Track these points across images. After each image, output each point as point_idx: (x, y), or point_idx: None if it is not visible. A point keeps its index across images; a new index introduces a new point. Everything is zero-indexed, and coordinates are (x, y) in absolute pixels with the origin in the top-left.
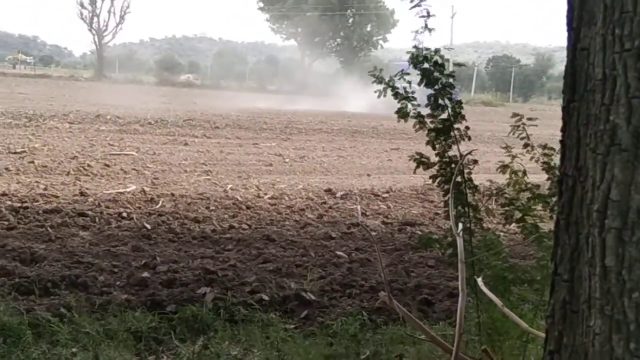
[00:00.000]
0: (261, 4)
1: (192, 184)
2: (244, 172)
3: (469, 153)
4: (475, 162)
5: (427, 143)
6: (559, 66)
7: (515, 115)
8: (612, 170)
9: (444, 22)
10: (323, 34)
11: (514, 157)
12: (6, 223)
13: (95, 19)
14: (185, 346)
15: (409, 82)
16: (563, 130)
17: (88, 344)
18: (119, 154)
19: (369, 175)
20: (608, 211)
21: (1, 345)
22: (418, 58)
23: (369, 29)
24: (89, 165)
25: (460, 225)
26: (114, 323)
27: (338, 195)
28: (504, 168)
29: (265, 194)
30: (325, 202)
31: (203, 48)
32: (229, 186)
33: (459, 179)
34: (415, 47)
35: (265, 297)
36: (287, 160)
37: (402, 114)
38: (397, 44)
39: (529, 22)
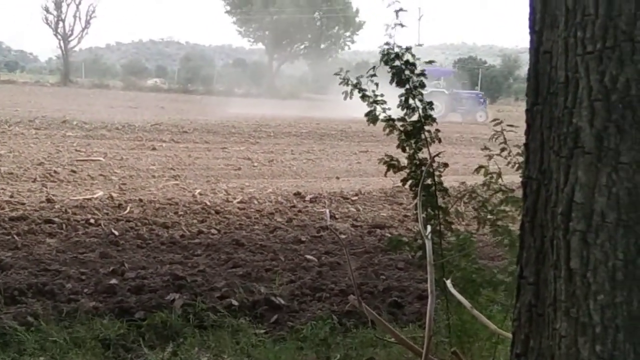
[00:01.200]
0: (228, 7)
1: (160, 189)
2: (212, 177)
3: (437, 155)
4: (446, 165)
5: (398, 146)
6: (526, 67)
7: (495, 120)
8: (576, 173)
9: (411, 24)
10: (290, 36)
11: (490, 157)
12: None
13: (61, 24)
14: (154, 353)
15: (377, 84)
16: (527, 133)
17: (56, 353)
18: (86, 160)
19: (338, 178)
20: (572, 214)
21: None
22: (389, 55)
23: (335, 30)
24: (55, 172)
25: (429, 228)
26: (81, 331)
27: (307, 198)
28: (479, 169)
29: (234, 199)
30: (294, 206)
31: (170, 52)
32: (198, 191)
33: (429, 181)
34: (386, 43)
35: (235, 302)
36: (256, 164)
37: (372, 117)
38: (364, 47)
39: (495, 24)
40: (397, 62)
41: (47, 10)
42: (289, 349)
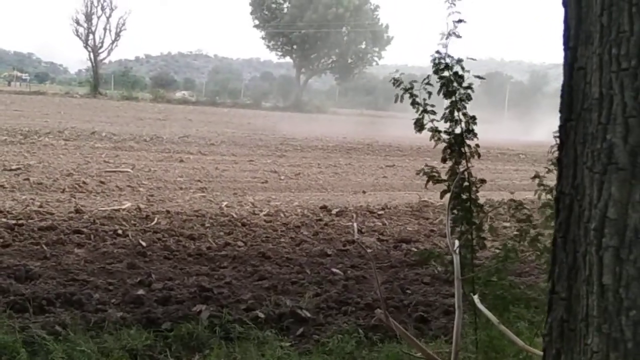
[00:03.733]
0: (257, 22)
1: (187, 201)
2: (239, 189)
3: (466, 169)
4: (483, 181)
5: (443, 159)
6: (554, 83)
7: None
8: (609, 189)
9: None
10: (318, 50)
11: (544, 173)
12: (1, 240)
13: (91, 36)
14: None
15: (429, 93)
16: (560, 148)
17: None
18: (114, 171)
19: (364, 192)
20: (605, 229)
21: None
22: (440, 65)
23: (363, 45)
24: (84, 182)
25: (457, 243)
26: (109, 341)
27: (333, 212)
28: (535, 178)
29: (261, 211)
30: (320, 219)
31: (198, 65)
32: (225, 203)
33: (464, 196)
34: (437, 52)
35: (261, 315)
36: (282, 177)
37: (419, 125)
38: (391, 61)
39: (523, 39)
40: (446, 73)
41: (77, 22)
42: None
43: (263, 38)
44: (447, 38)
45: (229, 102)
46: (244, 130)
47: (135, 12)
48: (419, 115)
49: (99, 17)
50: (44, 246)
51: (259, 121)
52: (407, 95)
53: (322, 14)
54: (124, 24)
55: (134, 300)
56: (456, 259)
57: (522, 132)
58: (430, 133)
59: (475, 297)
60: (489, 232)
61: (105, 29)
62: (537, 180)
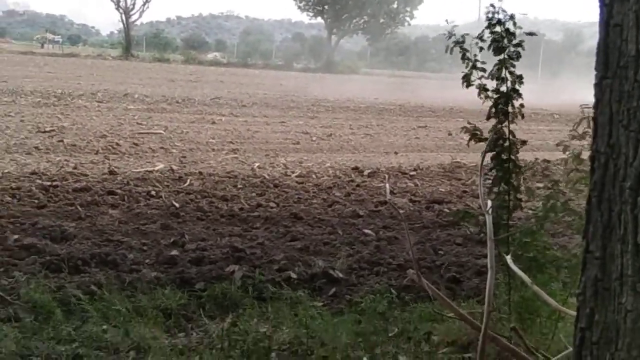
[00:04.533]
0: None
1: (219, 162)
2: (271, 151)
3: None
4: (524, 142)
5: (487, 118)
6: (589, 42)
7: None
8: None
9: None
10: (350, 11)
11: (573, 137)
12: (36, 201)
13: None
14: (214, 323)
15: (481, 49)
16: (595, 107)
17: (118, 322)
18: (147, 133)
19: (396, 153)
20: None
21: (32, 323)
22: (492, 20)
23: (395, 5)
24: (117, 144)
25: (490, 203)
26: (143, 300)
27: (365, 173)
28: (564, 148)
29: (293, 172)
30: (352, 180)
31: (230, 26)
32: (257, 164)
33: (504, 157)
34: (491, 5)
35: (294, 275)
36: (314, 138)
37: (467, 80)
38: (423, 21)
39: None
40: (498, 29)
41: None
42: (347, 322)
43: None
44: None
45: (261, 63)
46: (276, 92)
47: None
48: (468, 70)
49: None
50: (78, 207)
51: (291, 82)
52: (447, 55)
53: None
54: None
55: (168, 261)
56: (489, 220)
57: (556, 92)
58: (474, 92)
59: (508, 258)
60: (527, 193)
61: None
62: (564, 145)
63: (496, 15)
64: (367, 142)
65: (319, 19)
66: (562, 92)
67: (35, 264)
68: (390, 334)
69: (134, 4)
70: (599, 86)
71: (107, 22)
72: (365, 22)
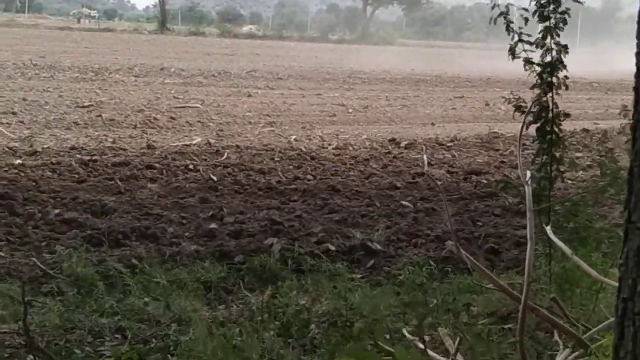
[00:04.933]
0: None
1: (256, 135)
2: (307, 123)
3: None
4: (567, 114)
5: (532, 87)
6: (628, 9)
7: None
8: None
9: None
10: None
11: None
12: (76, 176)
13: None
14: (254, 296)
15: (526, 19)
16: (636, 76)
17: (159, 294)
18: (184, 107)
19: (433, 124)
20: None
21: (75, 296)
22: None
23: None
24: (155, 118)
25: (529, 174)
26: (183, 273)
27: (402, 145)
28: (623, 110)
29: (329, 145)
30: (389, 152)
31: None
32: (293, 137)
33: (547, 128)
34: None
35: (332, 247)
36: (350, 110)
37: (512, 52)
38: None
39: None
40: None
41: None
42: (386, 294)
43: None
44: None
45: (296, 35)
46: (311, 64)
47: None
48: (513, 43)
49: None
50: (118, 181)
51: (326, 54)
52: (483, 24)
53: None
54: None
55: (207, 234)
56: (528, 190)
57: (594, 60)
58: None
59: (548, 229)
60: (569, 165)
61: None
62: (610, 110)
63: None
64: (403, 113)
65: None
66: (600, 60)
67: (76, 238)
68: (429, 306)
69: None
70: (639, 55)
71: None
72: None
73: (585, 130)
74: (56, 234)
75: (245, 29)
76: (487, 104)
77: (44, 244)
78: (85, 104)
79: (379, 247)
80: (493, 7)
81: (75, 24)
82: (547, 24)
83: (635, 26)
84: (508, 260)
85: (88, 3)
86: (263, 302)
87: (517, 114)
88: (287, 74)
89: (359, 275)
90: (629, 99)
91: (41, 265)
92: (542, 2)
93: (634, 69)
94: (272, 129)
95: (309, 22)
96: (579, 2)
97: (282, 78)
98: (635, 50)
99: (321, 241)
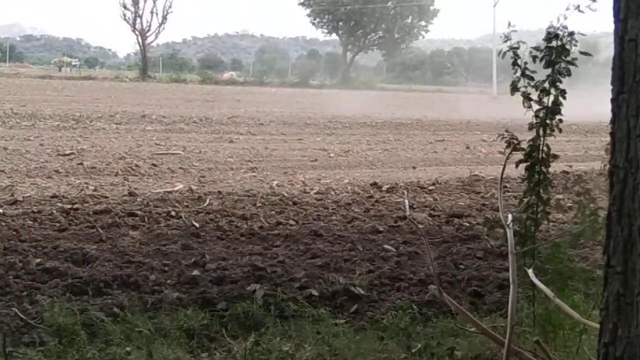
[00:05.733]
0: None
1: (238, 181)
2: (289, 168)
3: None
4: (555, 156)
5: (530, 127)
6: (605, 52)
7: None
8: None
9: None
10: (364, 27)
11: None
12: (57, 224)
13: (138, 20)
14: (237, 343)
15: (534, 57)
16: (613, 121)
17: (142, 343)
18: (166, 153)
19: (414, 167)
20: None
21: (56, 346)
22: (551, 34)
23: (409, 20)
24: (136, 165)
25: (510, 217)
26: (166, 321)
27: (384, 188)
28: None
29: (312, 190)
30: (371, 196)
31: (245, 45)
32: (275, 182)
33: (537, 168)
34: (552, 22)
35: (315, 293)
36: (332, 155)
37: (513, 86)
38: (438, 35)
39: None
40: (554, 43)
41: (124, 6)
42: (369, 339)
43: (308, 16)
44: (567, 9)
45: (277, 81)
46: (292, 109)
47: None
48: (515, 77)
49: (145, 1)
50: (99, 229)
51: (307, 100)
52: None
53: None
54: (170, 7)
55: (189, 281)
56: (510, 233)
57: (573, 103)
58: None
59: (530, 271)
60: (556, 207)
61: (152, 12)
62: (589, 152)
63: (555, 31)
64: (384, 157)
65: (334, 36)
66: (579, 103)
67: (57, 287)
68: (413, 350)
69: (149, 26)
70: (615, 101)
71: (124, 44)
72: (380, 38)
73: (565, 172)
74: (37, 284)
75: (226, 75)
76: (467, 147)
77: (25, 293)
78: (67, 152)
79: (362, 291)
80: (505, 40)
81: (56, 72)
82: (552, 69)
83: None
84: (491, 303)
85: (69, 52)
86: (246, 349)
87: (507, 152)
88: (269, 120)
89: (343, 320)
90: (607, 140)
91: (22, 315)
92: (549, 50)
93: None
94: (254, 174)
95: (290, 68)
96: (588, 54)
97: (264, 123)
98: (611, 97)
99: (304, 286)
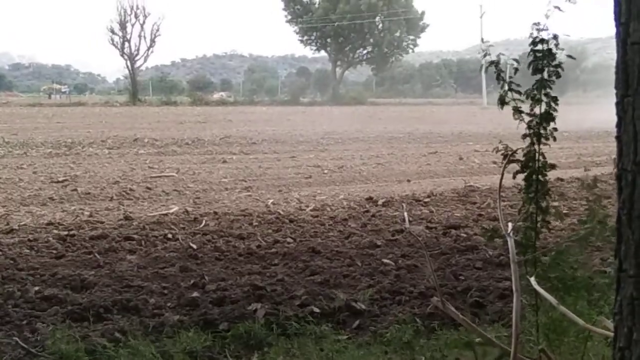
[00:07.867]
0: (289, 17)
1: (233, 201)
2: (283, 186)
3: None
4: (552, 166)
5: (524, 137)
6: (593, 58)
7: None
8: None
9: (474, 21)
10: (353, 42)
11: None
12: (54, 252)
13: (127, 44)
14: None
15: (516, 70)
16: (618, 125)
17: None
18: (160, 176)
19: (408, 180)
20: None
21: None
22: (536, 39)
23: (398, 34)
24: (131, 189)
25: (510, 226)
26: (168, 344)
27: (380, 202)
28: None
29: (307, 207)
30: (367, 211)
31: (234, 65)
32: (270, 201)
33: (534, 177)
34: (536, 23)
35: (316, 310)
36: (326, 171)
37: (501, 100)
38: (426, 48)
39: (559, 15)
40: (539, 47)
41: (112, 31)
42: (373, 354)
43: (296, 33)
44: (549, 10)
45: (267, 100)
46: (284, 127)
47: (168, 17)
48: (502, 91)
49: (133, 25)
50: (96, 255)
51: (298, 117)
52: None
53: (354, 4)
54: (158, 30)
55: (190, 303)
56: (511, 242)
57: (563, 110)
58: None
59: (532, 279)
60: (555, 215)
61: (140, 36)
62: (582, 158)
63: (540, 34)
64: (378, 171)
65: (323, 53)
66: (569, 109)
67: (57, 315)
68: None
69: (138, 50)
70: (620, 104)
71: (113, 69)
72: (369, 53)
73: (560, 179)
74: (37, 312)
75: (217, 96)
76: (460, 158)
77: (24, 322)
78: (60, 179)
79: (363, 306)
80: (484, 56)
81: (46, 99)
82: (541, 76)
83: (614, 76)
84: (493, 313)
85: (58, 78)
86: None
87: (504, 163)
88: (261, 139)
89: (345, 336)
90: (599, 146)
91: (24, 344)
92: (537, 54)
93: (601, 117)
94: (249, 193)
95: (280, 86)
96: (572, 58)
97: (256, 142)
98: (615, 100)
99: (305, 304)
